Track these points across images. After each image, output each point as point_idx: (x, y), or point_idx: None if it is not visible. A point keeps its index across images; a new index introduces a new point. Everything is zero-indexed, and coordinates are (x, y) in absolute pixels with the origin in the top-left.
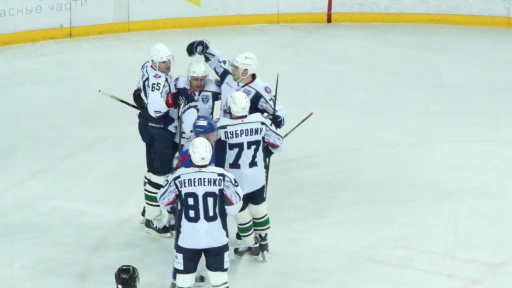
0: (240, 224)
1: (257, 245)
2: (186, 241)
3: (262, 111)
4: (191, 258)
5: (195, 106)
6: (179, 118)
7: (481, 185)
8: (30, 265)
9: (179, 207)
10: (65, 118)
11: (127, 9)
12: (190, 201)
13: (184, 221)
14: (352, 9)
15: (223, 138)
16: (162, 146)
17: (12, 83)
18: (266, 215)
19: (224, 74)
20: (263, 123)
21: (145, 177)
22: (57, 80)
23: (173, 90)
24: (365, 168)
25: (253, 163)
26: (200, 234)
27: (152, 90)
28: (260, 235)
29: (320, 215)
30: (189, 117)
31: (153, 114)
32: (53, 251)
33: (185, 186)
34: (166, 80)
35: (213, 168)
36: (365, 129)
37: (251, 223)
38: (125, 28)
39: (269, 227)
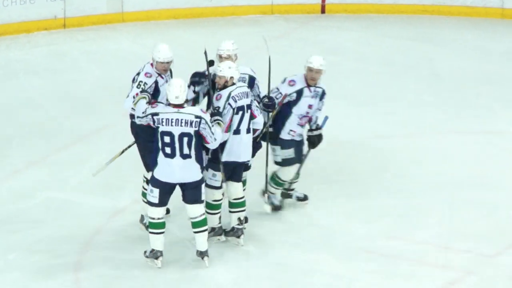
0: (214, 200)
1: (220, 225)
2: (161, 174)
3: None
4: (167, 191)
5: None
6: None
7: (475, 176)
8: (24, 256)
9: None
10: (60, 109)
11: None
12: (167, 139)
13: (161, 156)
14: (346, 0)
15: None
16: (146, 140)
17: (6, 74)
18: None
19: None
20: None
21: (144, 176)
22: (51, 71)
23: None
24: (359, 159)
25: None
26: (175, 169)
27: (137, 87)
28: (239, 218)
29: (314, 206)
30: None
31: (128, 109)
32: (47, 242)
33: (162, 125)
34: (156, 82)
35: (190, 109)
36: (359, 120)
37: (220, 202)
38: (119, 18)
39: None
